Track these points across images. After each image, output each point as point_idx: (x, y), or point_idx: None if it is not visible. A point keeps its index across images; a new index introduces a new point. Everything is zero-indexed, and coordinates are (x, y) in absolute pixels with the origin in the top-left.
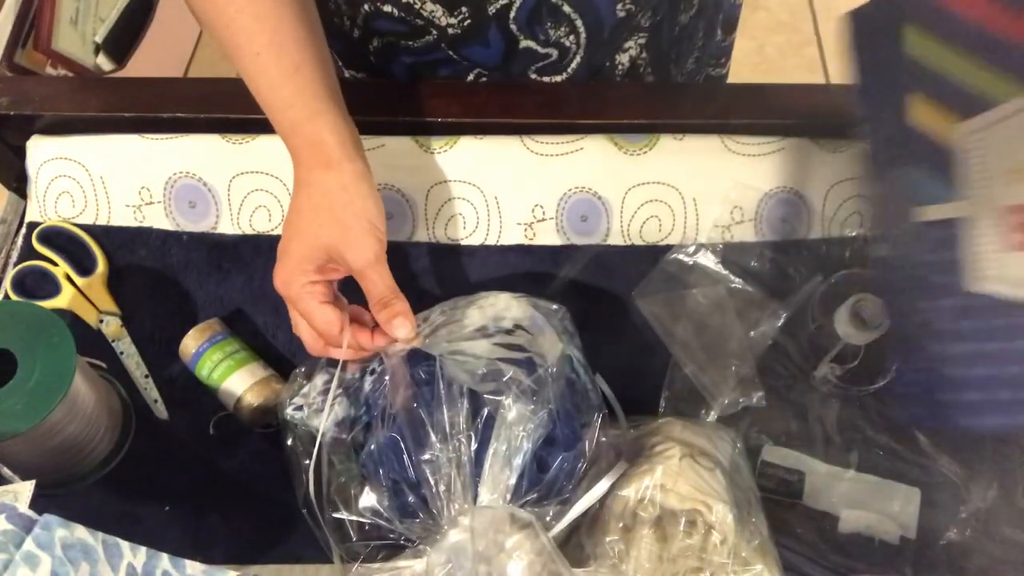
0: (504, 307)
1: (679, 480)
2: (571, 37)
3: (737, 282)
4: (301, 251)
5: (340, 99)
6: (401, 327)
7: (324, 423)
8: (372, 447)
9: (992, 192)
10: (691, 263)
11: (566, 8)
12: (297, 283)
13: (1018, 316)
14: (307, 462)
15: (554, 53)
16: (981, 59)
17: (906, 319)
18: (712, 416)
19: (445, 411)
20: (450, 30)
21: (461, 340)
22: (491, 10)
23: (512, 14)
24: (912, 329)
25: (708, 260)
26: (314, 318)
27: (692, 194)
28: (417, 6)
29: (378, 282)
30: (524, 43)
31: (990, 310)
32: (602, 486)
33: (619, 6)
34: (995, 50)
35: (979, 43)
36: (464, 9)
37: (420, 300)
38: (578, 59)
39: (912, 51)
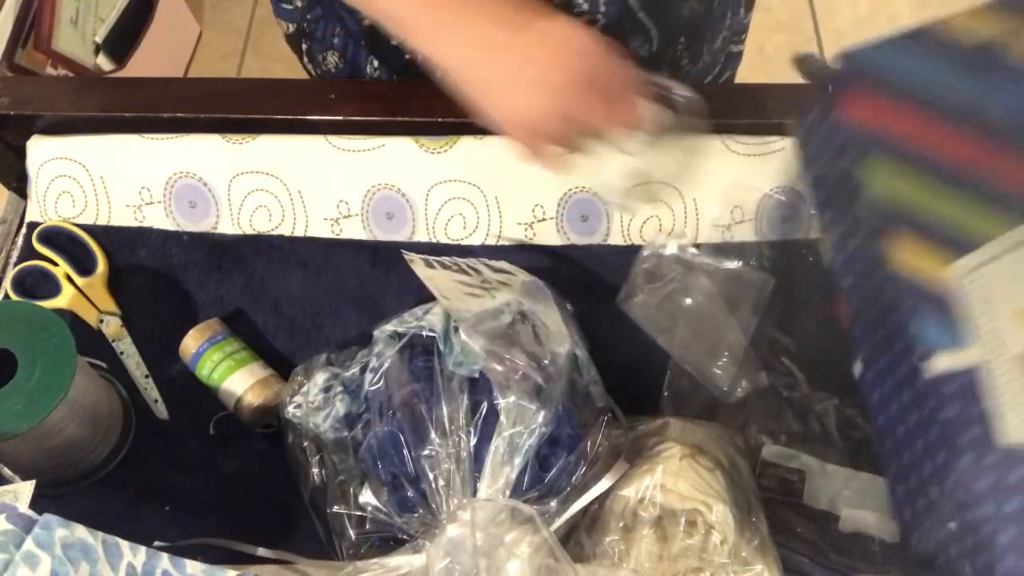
0: (520, 288)
1: (679, 480)
2: (645, 47)
3: (710, 262)
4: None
5: None
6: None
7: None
8: (371, 441)
9: (1002, 337)
10: (666, 254)
11: (641, 15)
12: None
13: None
14: (309, 459)
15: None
16: (960, 193)
17: (932, 486)
18: (717, 409)
19: (444, 406)
20: None
21: (480, 306)
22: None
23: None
24: (944, 495)
25: (679, 249)
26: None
27: (692, 194)
28: None
29: None
30: None
31: None
32: (602, 485)
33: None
34: (974, 185)
35: (955, 178)
36: None
37: (420, 301)
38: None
39: (879, 188)
